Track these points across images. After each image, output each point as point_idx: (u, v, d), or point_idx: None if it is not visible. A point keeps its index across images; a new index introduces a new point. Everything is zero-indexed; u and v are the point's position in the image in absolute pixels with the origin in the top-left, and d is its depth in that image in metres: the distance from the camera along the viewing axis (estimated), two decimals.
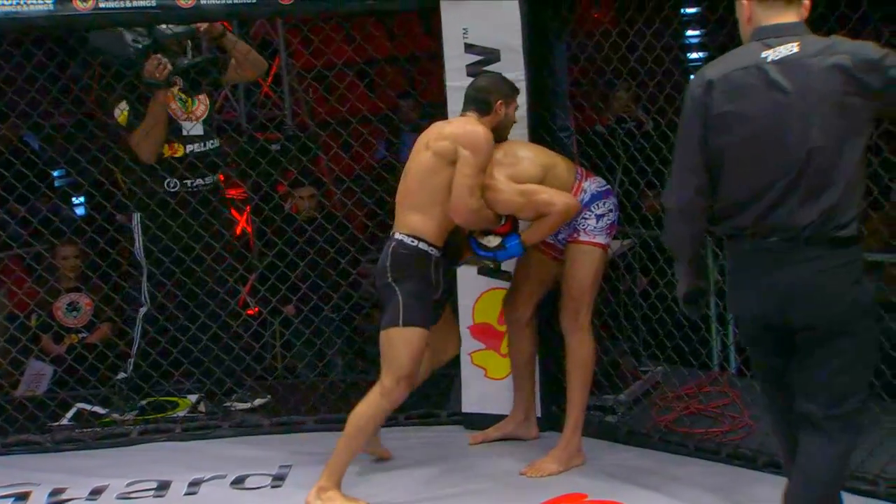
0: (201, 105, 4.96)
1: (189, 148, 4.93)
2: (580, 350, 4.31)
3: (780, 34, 3.03)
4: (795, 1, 3.07)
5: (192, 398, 5.18)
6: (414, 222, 4.00)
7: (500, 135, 4.16)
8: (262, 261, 5.33)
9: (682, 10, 5.78)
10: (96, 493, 4.35)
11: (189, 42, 4.81)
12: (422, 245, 4.00)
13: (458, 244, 4.17)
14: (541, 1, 4.59)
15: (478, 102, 4.13)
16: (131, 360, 5.08)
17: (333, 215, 5.63)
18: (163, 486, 4.37)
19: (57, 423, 5.08)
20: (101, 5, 4.55)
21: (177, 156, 4.91)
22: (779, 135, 2.98)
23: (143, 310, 5.03)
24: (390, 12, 5.31)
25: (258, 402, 5.12)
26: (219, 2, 4.58)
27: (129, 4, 4.55)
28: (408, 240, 4.00)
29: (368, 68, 5.54)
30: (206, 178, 4.98)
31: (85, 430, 5.00)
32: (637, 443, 4.52)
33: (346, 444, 4.05)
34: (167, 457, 4.70)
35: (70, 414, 5.18)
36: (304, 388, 5.24)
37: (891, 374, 4.33)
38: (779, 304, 3.04)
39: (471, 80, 4.52)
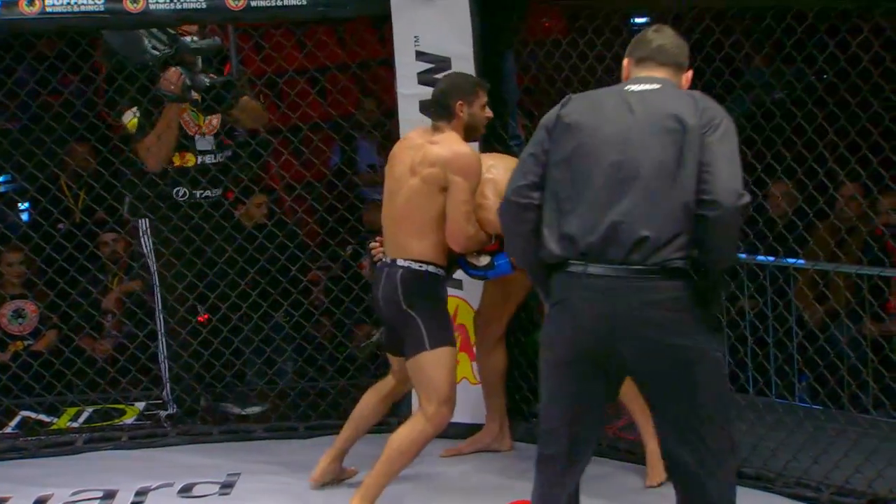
0: (214, 119, 4.93)
1: (200, 159, 4.91)
2: None
3: (648, 80, 3.10)
4: (669, 66, 3.13)
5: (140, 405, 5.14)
6: (417, 248, 3.96)
7: (473, 135, 4.09)
8: (212, 267, 5.27)
9: (631, 20, 5.82)
10: (40, 502, 4.31)
11: (200, 58, 4.76)
12: (431, 268, 3.97)
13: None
14: (492, 9, 4.61)
15: (439, 108, 4.05)
16: (167, 391, 5.01)
17: (284, 222, 5.60)
18: (109, 496, 4.33)
19: (1, 432, 5.01)
20: (48, 9, 4.52)
21: (187, 166, 4.88)
22: (618, 148, 2.96)
23: (161, 332, 4.99)
24: (342, 19, 5.30)
25: (255, 409, 5.06)
26: (168, 7, 4.56)
27: (76, 9, 4.52)
28: (415, 265, 3.96)
29: (320, 75, 5.52)
30: (215, 190, 4.96)
31: (29, 438, 4.95)
32: None
33: (387, 468, 3.95)
34: (113, 465, 4.66)
35: (14, 422, 5.12)
36: (254, 396, 5.21)
37: (835, 380, 4.39)
38: (607, 337, 2.94)
39: (422, 87, 4.56)
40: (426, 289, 3.97)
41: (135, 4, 4.55)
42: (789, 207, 5.02)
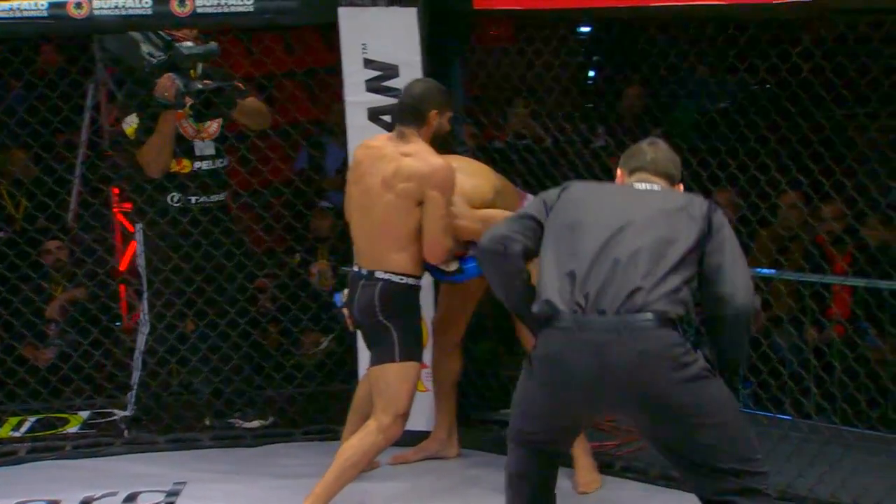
0: (213, 124, 4.88)
1: (197, 165, 4.86)
2: None
3: (648, 182, 3.20)
4: (662, 177, 3.21)
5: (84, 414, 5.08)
6: (398, 260, 3.94)
7: (433, 144, 4.05)
8: (159, 275, 5.22)
9: (577, 29, 5.87)
10: None
11: (200, 63, 4.72)
12: (410, 281, 3.97)
13: None
14: (439, 17, 4.62)
15: (413, 114, 3.97)
16: (132, 394, 4.97)
17: (231, 230, 5.57)
18: None
19: None
20: None
21: (184, 172, 4.84)
22: (622, 217, 3.03)
23: (144, 334, 4.93)
24: (289, 26, 5.29)
25: (257, 423, 5.02)
26: (113, 13, 4.53)
27: (18, 15, 4.47)
28: (396, 278, 3.95)
29: (267, 82, 5.50)
30: (213, 196, 4.91)
31: None
32: None
33: (337, 479, 3.93)
34: (57, 475, 4.60)
35: None
36: (200, 405, 5.17)
37: (777, 386, 4.44)
38: (601, 391, 2.94)
39: (370, 95, 4.55)
40: (404, 301, 3.97)
41: (79, 10, 4.50)
42: (733, 215, 5.08)
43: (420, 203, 3.90)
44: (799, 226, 4.95)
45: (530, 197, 4.45)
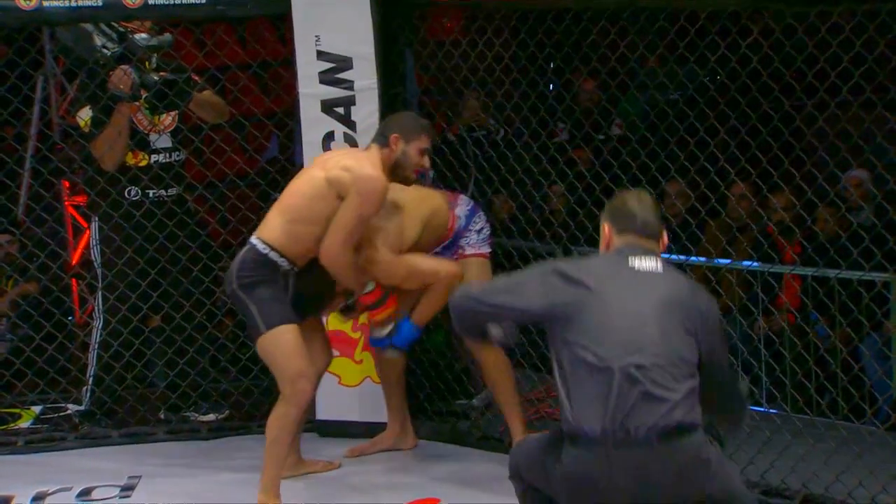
0: (168, 117, 4.85)
1: (154, 158, 4.83)
2: (498, 357, 4.34)
3: (644, 253, 3.14)
4: (652, 238, 3.18)
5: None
6: (279, 233, 3.94)
7: (398, 173, 4.04)
8: (112, 269, 5.19)
9: (528, 21, 5.88)
10: None
11: (155, 54, 4.69)
12: (273, 255, 3.95)
13: (322, 293, 4.14)
14: (392, 10, 4.63)
15: (378, 134, 4.08)
16: (87, 388, 4.95)
17: (187, 223, 5.54)
18: (4, 502, 4.25)
19: None
20: None
21: (140, 165, 4.80)
22: (639, 329, 3.00)
23: (98, 330, 4.90)
24: (241, 18, 5.27)
25: (212, 416, 5.02)
26: (62, 5, 4.49)
27: None
28: (262, 247, 3.94)
29: (220, 74, 5.48)
30: (170, 190, 4.88)
31: None
32: (489, 447, 4.58)
33: (269, 459, 3.98)
34: (9, 471, 4.57)
35: None
36: (155, 398, 5.15)
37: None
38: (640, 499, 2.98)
39: (323, 87, 4.57)
40: (257, 270, 3.94)
41: (28, 2, 4.47)
42: (682, 206, 5.14)
43: (341, 197, 3.92)
44: (748, 216, 5.00)
45: (462, 198, 4.45)
